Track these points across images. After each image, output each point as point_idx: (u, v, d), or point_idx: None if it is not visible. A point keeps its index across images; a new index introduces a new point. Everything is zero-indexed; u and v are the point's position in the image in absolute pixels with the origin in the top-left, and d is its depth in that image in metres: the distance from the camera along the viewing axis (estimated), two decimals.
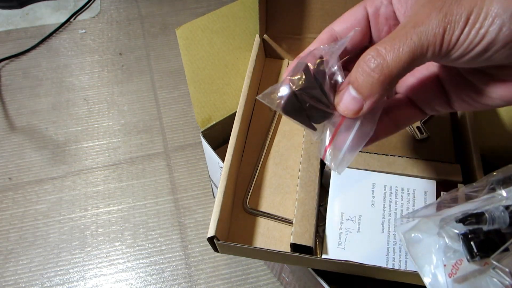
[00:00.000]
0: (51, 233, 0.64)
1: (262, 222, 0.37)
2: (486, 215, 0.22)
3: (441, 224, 0.23)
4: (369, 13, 0.26)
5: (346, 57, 0.28)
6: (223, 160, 0.38)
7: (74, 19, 0.95)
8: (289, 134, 0.43)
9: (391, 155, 0.38)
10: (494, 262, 0.21)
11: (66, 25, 0.94)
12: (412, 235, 0.25)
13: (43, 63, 0.87)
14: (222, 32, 0.51)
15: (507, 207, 0.22)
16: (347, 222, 0.35)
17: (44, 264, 0.61)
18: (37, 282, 0.59)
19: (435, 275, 0.23)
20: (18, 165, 0.72)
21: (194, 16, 0.53)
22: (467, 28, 0.19)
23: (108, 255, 0.62)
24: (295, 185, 0.39)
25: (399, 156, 0.38)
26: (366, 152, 0.38)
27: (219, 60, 0.49)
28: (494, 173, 0.24)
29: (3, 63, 0.86)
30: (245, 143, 0.42)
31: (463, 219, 0.22)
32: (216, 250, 0.34)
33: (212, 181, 0.58)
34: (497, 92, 0.23)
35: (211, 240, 0.33)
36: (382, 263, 0.33)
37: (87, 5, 0.98)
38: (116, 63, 0.87)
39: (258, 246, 0.36)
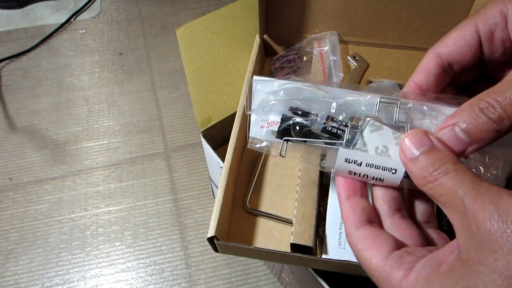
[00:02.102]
0: (51, 233, 0.64)
1: (262, 222, 0.37)
2: (312, 116, 0.27)
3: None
4: (482, 34, 0.25)
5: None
6: (223, 160, 0.38)
7: (74, 19, 0.96)
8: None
9: None
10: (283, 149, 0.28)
11: (66, 25, 0.94)
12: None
13: (43, 63, 0.87)
14: (222, 32, 0.51)
15: (329, 118, 0.26)
16: None
17: (44, 264, 0.61)
18: (37, 282, 0.59)
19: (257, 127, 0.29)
20: (18, 165, 0.72)
21: (194, 16, 0.54)
22: None
23: (108, 255, 0.62)
24: (295, 185, 0.39)
25: None
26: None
27: (219, 60, 0.49)
28: None
29: (3, 63, 0.86)
30: (245, 143, 0.42)
31: (293, 109, 0.27)
32: (216, 250, 0.34)
33: (212, 181, 0.58)
34: None
35: (211, 240, 0.33)
36: None
37: (87, 5, 0.98)
38: (116, 63, 0.87)
39: (258, 246, 0.36)
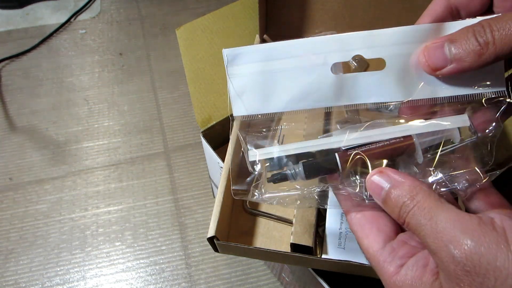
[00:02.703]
0: (51, 233, 0.64)
1: (262, 222, 0.37)
2: (288, 173, 0.25)
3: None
4: None
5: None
6: (223, 160, 0.38)
7: (75, 19, 0.96)
8: (289, 134, 0.43)
9: None
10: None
11: (66, 25, 0.94)
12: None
13: (43, 63, 0.87)
14: (222, 32, 0.51)
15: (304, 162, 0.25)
16: (347, 222, 0.35)
17: (45, 264, 0.61)
18: (37, 282, 0.59)
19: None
20: (19, 165, 0.72)
21: (194, 16, 0.53)
22: None
23: (108, 255, 0.62)
24: None
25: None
26: None
27: (219, 60, 0.49)
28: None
29: (3, 63, 0.86)
30: None
31: (275, 176, 0.25)
32: (216, 250, 0.34)
33: (212, 181, 0.58)
34: None
35: (211, 240, 0.33)
36: None
37: (87, 5, 0.98)
38: (116, 63, 0.87)
39: (258, 246, 0.36)
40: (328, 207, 0.27)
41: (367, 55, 0.24)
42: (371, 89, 0.25)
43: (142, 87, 0.83)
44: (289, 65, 0.24)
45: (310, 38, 0.25)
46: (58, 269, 0.61)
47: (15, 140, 0.75)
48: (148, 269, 0.60)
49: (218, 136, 0.46)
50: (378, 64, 0.25)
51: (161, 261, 0.61)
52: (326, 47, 0.25)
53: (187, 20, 0.52)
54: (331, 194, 0.33)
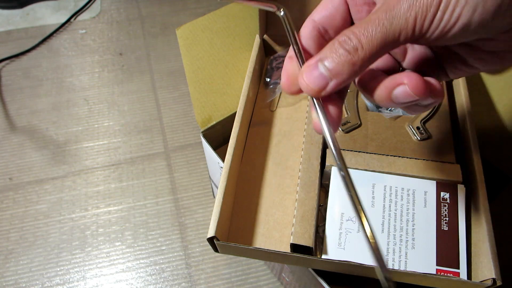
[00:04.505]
0: (51, 233, 0.64)
1: (262, 222, 0.37)
2: None
3: None
4: None
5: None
6: (223, 160, 0.38)
7: (75, 19, 0.96)
8: (289, 134, 0.43)
9: (391, 156, 0.38)
10: None
11: (66, 25, 0.94)
12: None
13: (43, 63, 0.87)
14: (222, 32, 0.51)
15: None
16: (347, 222, 0.35)
17: (45, 264, 0.61)
18: (37, 282, 0.59)
19: None
20: (19, 165, 0.72)
21: (194, 16, 0.53)
22: (439, 13, 0.19)
23: (108, 255, 0.62)
24: (295, 185, 0.39)
25: (399, 157, 0.38)
26: (366, 153, 0.38)
27: (219, 60, 0.49)
28: None
29: (3, 63, 0.86)
30: (245, 143, 0.42)
31: None
32: (216, 250, 0.34)
33: (212, 181, 0.58)
34: (479, 62, 0.24)
35: (211, 240, 0.33)
36: None
37: (88, 5, 0.98)
38: (116, 63, 0.87)
39: (258, 246, 0.36)
40: None
41: None
42: None
43: (142, 87, 0.83)
44: None
45: None
46: (58, 269, 0.61)
47: (15, 140, 0.75)
48: (148, 269, 0.60)
49: (218, 136, 0.46)
50: None
51: (161, 261, 0.61)
52: None
53: (187, 20, 0.52)
54: None
